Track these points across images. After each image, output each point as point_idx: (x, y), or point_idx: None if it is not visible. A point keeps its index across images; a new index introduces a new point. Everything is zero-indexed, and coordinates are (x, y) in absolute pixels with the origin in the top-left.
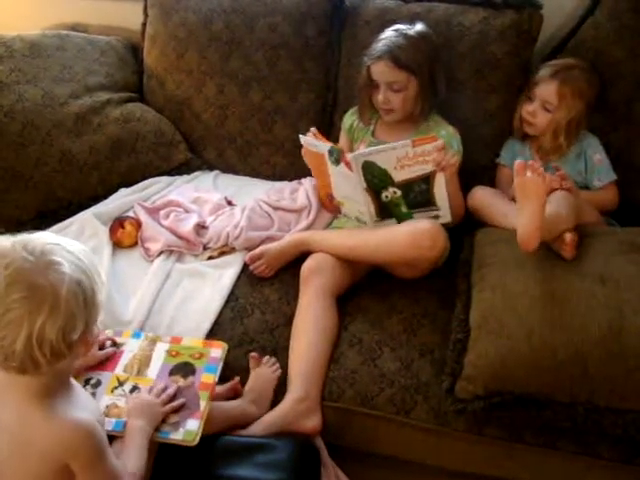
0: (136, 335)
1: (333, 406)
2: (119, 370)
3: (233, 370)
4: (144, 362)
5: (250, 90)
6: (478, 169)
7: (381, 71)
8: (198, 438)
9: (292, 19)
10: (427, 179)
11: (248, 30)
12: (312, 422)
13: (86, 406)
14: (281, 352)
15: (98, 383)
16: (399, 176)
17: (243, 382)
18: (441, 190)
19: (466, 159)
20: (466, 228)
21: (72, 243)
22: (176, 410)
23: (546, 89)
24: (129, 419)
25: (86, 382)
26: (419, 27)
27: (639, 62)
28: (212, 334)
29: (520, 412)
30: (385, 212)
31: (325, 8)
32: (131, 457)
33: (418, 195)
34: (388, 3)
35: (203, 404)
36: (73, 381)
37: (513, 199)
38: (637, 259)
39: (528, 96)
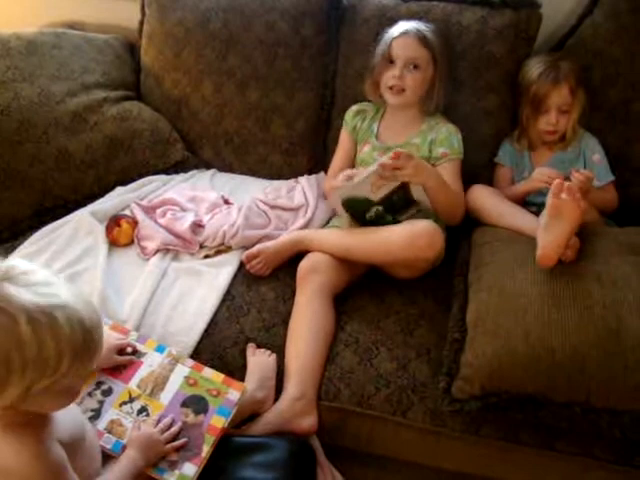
0: (159, 349)
1: (329, 406)
2: (133, 384)
3: (230, 369)
4: (160, 383)
5: (247, 89)
6: (476, 168)
7: (406, 45)
8: None
9: (290, 17)
10: (403, 186)
11: (245, 29)
12: (308, 422)
13: (65, 427)
14: (277, 351)
15: (109, 391)
16: (377, 196)
17: (241, 379)
18: (418, 189)
19: (464, 158)
20: (463, 227)
21: (57, 294)
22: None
23: (559, 95)
24: (127, 447)
25: (97, 385)
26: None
27: (637, 62)
28: (208, 333)
29: (517, 413)
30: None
31: (323, 6)
32: None
33: (399, 201)
34: (386, 2)
35: (205, 450)
36: None
37: (513, 199)
38: (635, 260)
39: (542, 111)
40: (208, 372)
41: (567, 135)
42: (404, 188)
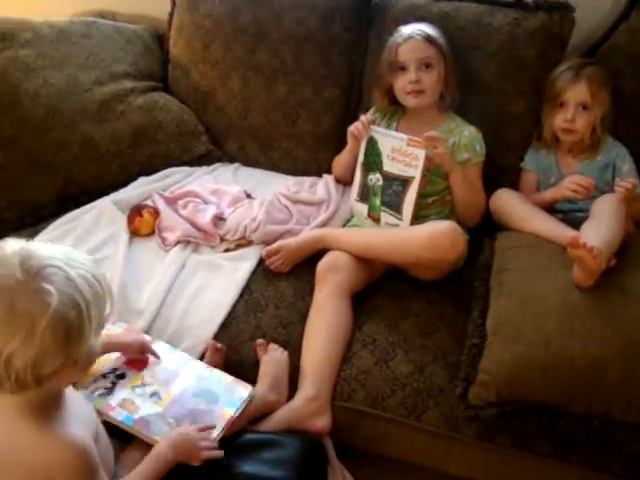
0: (170, 350)
1: (343, 406)
2: (147, 374)
3: (245, 364)
4: (172, 377)
5: (275, 83)
6: (501, 173)
7: (414, 48)
8: None
9: (320, 14)
10: (405, 182)
11: (275, 23)
12: (322, 421)
13: (82, 419)
14: (294, 348)
15: (123, 376)
16: (387, 166)
17: (255, 374)
18: (410, 201)
19: (489, 162)
20: (486, 230)
21: (80, 266)
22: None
23: (578, 91)
24: (164, 444)
25: (112, 370)
26: None
27: None
28: (225, 326)
29: (533, 422)
30: (364, 196)
31: (353, 4)
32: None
33: (392, 195)
34: (417, 0)
35: (216, 433)
36: (69, 391)
37: (541, 205)
38: None
39: (559, 104)
40: (217, 373)
41: (586, 140)
42: (404, 185)
